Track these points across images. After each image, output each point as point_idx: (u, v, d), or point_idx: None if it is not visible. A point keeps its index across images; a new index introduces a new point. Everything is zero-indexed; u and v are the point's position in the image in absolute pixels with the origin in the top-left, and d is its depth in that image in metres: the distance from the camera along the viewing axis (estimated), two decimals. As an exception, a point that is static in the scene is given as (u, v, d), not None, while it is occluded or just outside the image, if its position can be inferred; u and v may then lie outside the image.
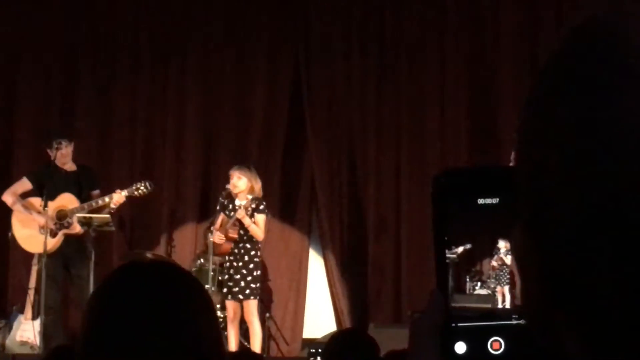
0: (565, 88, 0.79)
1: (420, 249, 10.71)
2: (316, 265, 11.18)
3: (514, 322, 1.06)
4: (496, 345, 1.03)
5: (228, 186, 9.25)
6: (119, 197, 9.08)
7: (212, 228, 9.53)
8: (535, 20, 10.98)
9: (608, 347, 0.77)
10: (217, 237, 9.23)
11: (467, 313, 1.07)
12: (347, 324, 10.46)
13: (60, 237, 9.13)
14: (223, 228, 9.24)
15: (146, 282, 1.65)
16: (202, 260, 9.74)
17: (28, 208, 9.27)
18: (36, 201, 9.29)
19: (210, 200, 10.77)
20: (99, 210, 9.24)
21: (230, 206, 9.20)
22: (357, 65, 11.22)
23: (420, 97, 11.08)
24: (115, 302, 1.64)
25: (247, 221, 9.05)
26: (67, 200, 9.20)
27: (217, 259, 9.52)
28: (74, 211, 9.14)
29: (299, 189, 11.20)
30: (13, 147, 11.22)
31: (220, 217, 9.35)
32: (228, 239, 9.14)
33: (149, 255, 9.90)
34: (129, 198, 9.21)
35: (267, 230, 9.42)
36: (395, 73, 11.16)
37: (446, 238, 1.06)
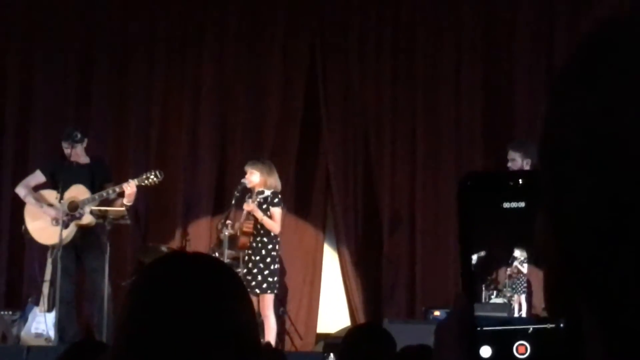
0: (591, 73, 0.79)
1: (435, 245, 10.71)
2: (330, 259, 11.18)
3: (540, 326, 1.05)
4: (522, 349, 1.02)
5: (243, 180, 9.27)
6: (129, 187, 9.07)
7: (226, 222, 9.55)
8: (551, 15, 10.95)
9: (628, 332, 0.77)
10: (230, 229, 9.27)
11: (491, 318, 1.07)
12: (361, 318, 10.46)
13: (72, 228, 9.14)
14: (238, 222, 9.26)
15: (186, 273, 1.66)
16: (216, 253, 9.74)
17: (39, 200, 9.29)
18: (49, 193, 9.31)
19: (225, 193, 10.78)
20: (110, 201, 9.26)
21: (249, 200, 9.23)
22: (372, 58, 11.21)
23: (435, 87, 11.07)
24: (155, 292, 1.65)
25: (259, 215, 9.07)
26: (78, 192, 9.22)
27: (232, 253, 9.54)
28: (85, 202, 9.15)
29: (314, 183, 11.20)
30: (29, 138, 11.25)
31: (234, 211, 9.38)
32: (243, 232, 9.16)
33: (163, 248, 9.92)
34: (139, 187, 9.20)
35: (282, 224, 9.42)
36: (411, 64, 11.15)
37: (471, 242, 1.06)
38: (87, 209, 9.14)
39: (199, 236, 10.86)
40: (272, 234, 9.13)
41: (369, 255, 10.93)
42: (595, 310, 0.79)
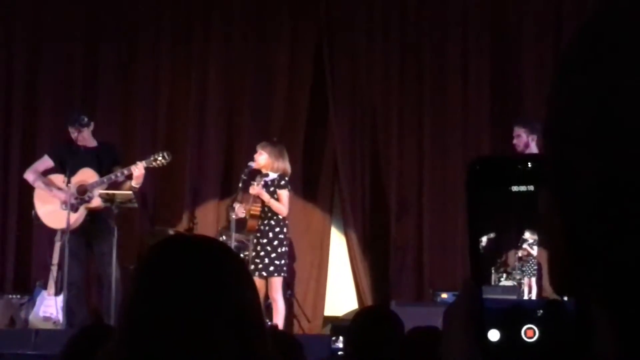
0: (593, 54, 0.79)
1: (442, 227, 10.73)
2: (338, 243, 11.19)
3: (547, 310, 1.06)
4: (530, 333, 1.02)
5: (250, 162, 9.26)
6: (137, 169, 9.07)
7: (234, 205, 9.55)
8: (559, 1, 10.93)
9: (635, 316, 0.77)
10: (238, 212, 9.28)
11: (499, 301, 1.07)
12: (368, 301, 10.48)
13: (82, 212, 9.16)
14: (246, 205, 9.27)
15: (188, 256, 1.67)
16: (224, 236, 9.76)
17: (49, 185, 9.29)
18: (57, 178, 9.32)
19: (232, 176, 10.79)
20: (118, 184, 9.26)
21: (254, 183, 9.23)
22: (379, 44, 11.20)
23: (442, 77, 11.07)
24: (157, 275, 1.65)
25: (265, 197, 9.07)
26: (87, 175, 9.22)
27: (240, 236, 9.55)
28: (94, 185, 9.16)
29: (321, 166, 11.20)
30: (36, 123, 11.27)
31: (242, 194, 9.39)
32: (251, 215, 9.17)
33: (171, 232, 9.93)
34: (147, 169, 9.20)
35: (290, 207, 9.42)
36: (418, 52, 11.14)
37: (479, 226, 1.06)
38: (96, 192, 9.14)
39: (207, 219, 10.88)
40: (279, 216, 9.13)
41: (376, 238, 10.95)
42: (600, 294, 0.80)
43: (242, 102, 11.23)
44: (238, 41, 11.30)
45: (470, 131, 10.89)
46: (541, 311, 1.02)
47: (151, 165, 9.16)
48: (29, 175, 9.45)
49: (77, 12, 11.37)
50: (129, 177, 9.13)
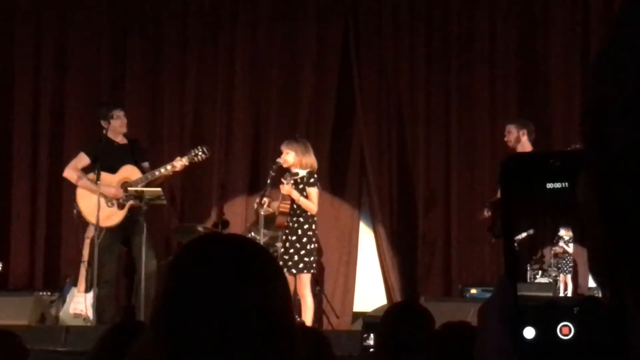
0: (629, 30, 0.79)
1: (471, 223, 10.71)
2: (366, 238, 11.18)
3: (583, 307, 1.05)
4: (565, 330, 1.02)
5: (279, 159, 9.27)
6: (178, 165, 9.13)
7: (262, 201, 9.56)
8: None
9: None
10: (267, 208, 9.29)
11: (535, 298, 1.06)
12: (397, 297, 10.46)
13: (127, 209, 9.18)
14: (275, 201, 9.28)
15: (223, 253, 1.68)
16: (252, 233, 9.76)
17: (93, 181, 9.22)
18: (103, 175, 9.27)
19: (260, 172, 10.81)
20: (159, 180, 9.30)
21: (284, 182, 9.24)
22: (406, 39, 11.17)
23: (469, 69, 11.03)
24: (190, 274, 1.66)
25: (295, 195, 9.07)
26: (129, 172, 9.26)
27: (268, 232, 9.56)
28: (137, 182, 9.18)
29: (349, 162, 11.20)
30: (64, 121, 11.32)
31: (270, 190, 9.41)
32: (280, 212, 9.17)
33: (200, 228, 9.95)
34: (188, 165, 9.25)
35: (318, 203, 9.42)
36: (445, 46, 11.11)
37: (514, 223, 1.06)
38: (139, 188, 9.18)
39: (235, 215, 10.89)
40: (308, 213, 9.14)
41: (404, 233, 10.93)
42: (637, 280, 0.79)
43: (269, 97, 11.24)
44: (264, 36, 11.31)
45: (498, 125, 10.85)
46: (577, 308, 1.02)
47: (193, 161, 9.22)
48: (71, 173, 9.42)
49: (103, 9, 11.41)
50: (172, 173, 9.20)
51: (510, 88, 10.92)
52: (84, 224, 9.41)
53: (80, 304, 9.40)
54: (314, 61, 11.19)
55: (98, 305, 9.04)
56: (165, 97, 11.32)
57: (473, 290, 9.63)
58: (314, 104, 11.14)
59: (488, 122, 10.89)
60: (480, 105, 10.94)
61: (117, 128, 9.38)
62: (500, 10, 11.04)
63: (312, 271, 9.17)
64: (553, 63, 10.86)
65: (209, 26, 11.39)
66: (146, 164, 9.40)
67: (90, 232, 9.47)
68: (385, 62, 11.16)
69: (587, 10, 10.86)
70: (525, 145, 9.32)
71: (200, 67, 11.36)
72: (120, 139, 9.46)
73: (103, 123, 9.35)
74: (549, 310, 1.03)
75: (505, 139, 9.47)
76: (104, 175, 9.20)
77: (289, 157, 9.19)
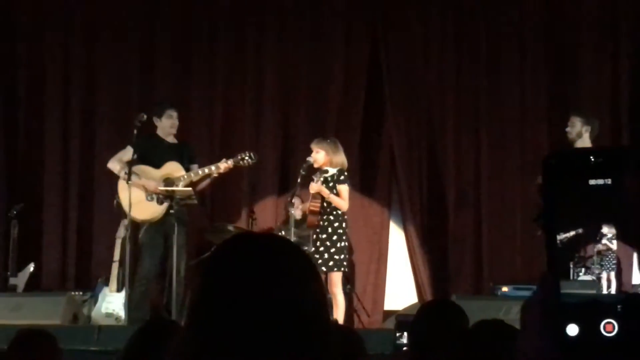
0: None
1: (501, 220, 10.69)
2: (397, 237, 11.16)
3: (627, 304, 1.04)
4: (609, 327, 1.01)
5: (309, 158, 9.27)
6: (223, 167, 9.16)
7: (293, 200, 9.57)
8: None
9: None
10: (297, 208, 9.31)
11: (578, 296, 1.06)
12: (428, 295, 10.44)
13: (166, 205, 9.20)
14: (305, 201, 9.29)
15: (257, 254, 1.68)
16: (283, 232, 9.78)
17: (136, 174, 9.19)
18: (146, 168, 9.30)
19: (290, 172, 10.81)
20: (203, 179, 9.32)
21: (314, 179, 9.24)
22: (435, 38, 11.15)
23: (499, 68, 10.99)
24: (226, 273, 1.66)
25: (326, 193, 9.07)
26: (173, 169, 9.29)
27: (299, 232, 9.57)
28: (180, 179, 9.21)
29: (379, 161, 11.18)
30: (94, 124, 11.37)
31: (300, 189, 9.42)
32: (310, 211, 9.18)
33: (230, 228, 9.97)
34: (232, 168, 9.29)
35: (348, 201, 9.42)
36: (474, 44, 11.08)
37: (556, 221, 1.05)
38: (181, 185, 9.20)
39: (265, 215, 10.90)
40: (339, 211, 9.13)
41: (435, 231, 10.91)
42: None
43: (298, 97, 11.24)
44: (293, 37, 11.31)
45: (528, 122, 10.82)
46: (621, 306, 1.01)
47: (238, 165, 9.25)
48: (115, 165, 9.39)
49: (133, 12, 11.45)
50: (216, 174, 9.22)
51: (540, 87, 10.87)
52: (124, 215, 9.38)
53: (112, 303, 9.45)
54: (343, 63, 11.18)
55: (132, 304, 9.06)
56: (193, 100, 11.33)
57: (504, 288, 9.59)
58: (343, 104, 11.12)
59: (518, 120, 10.85)
60: (510, 104, 10.89)
61: (166, 128, 9.44)
62: (528, 5, 10.99)
63: (343, 269, 9.17)
64: (583, 59, 10.80)
65: (237, 30, 11.38)
66: (195, 167, 9.42)
67: (122, 232, 9.50)
68: (414, 63, 11.12)
69: (615, 5, 10.80)
70: (585, 142, 9.09)
71: (229, 66, 11.37)
72: (171, 139, 9.50)
73: (155, 120, 9.40)
74: (592, 308, 1.02)
75: (567, 129, 9.27)
76: (148, 169, 9.23)
77: (319, 156, 9.19)
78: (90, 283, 10.41)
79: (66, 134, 11.37)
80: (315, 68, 11.23)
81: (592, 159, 1.01)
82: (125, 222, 9.27)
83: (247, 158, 9.27)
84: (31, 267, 10.41)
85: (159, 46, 11.45)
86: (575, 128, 9.22)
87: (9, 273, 10.31)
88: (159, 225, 9.24)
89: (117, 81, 11.39)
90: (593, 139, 9.18)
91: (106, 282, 9.69)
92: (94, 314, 9.50)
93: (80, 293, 9.97)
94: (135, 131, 9.11)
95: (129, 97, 11.24)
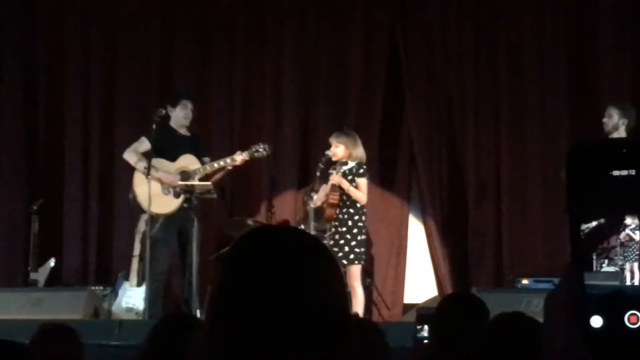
0: None
1: (521, 213, 10.65)
2: (416, 229, 11.15)
3: None
4: (633, 319, 1.00)
5: (328, 152, 9.27)
6: (238, 159, 9.16)
7: (311, 194, 9.57)
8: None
9: None
10: (316, 201, 9.30)
11: (602, 287, 1.05)
12: (448, 288, 10.42)
13: (183, 198, 9.19)
14: (323, 193, 9.29)
15: (277, 247, 1.68)
16: (302, 226, 9.78)
17: (154, 167, 9.15)
18: (162, 161, 9.28)
19: (309, 165, 10.80)
20: (217, 172, 9.31)
21: (333, 172, 9.24)
22: (454, 31, 11.11)
23: (518, 59, 10.95)
24: (247, 265, 1.66)
25: (345, 185, 9.07)
26: (188, 161, 9.28)
27: (318, 225, 9.56)
28: (196, 172, 9.21)
29: (398, 153, 11.15)
30: (114, 118, 11.40)
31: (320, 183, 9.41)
32: (329, 204, 9.18)
33: (249, 222, 9.97)
34: (248, 160, 9.30)
35: (367, 195, 9.41)
36: (493, 37, 11.04)
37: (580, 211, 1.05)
38: (197, 179, 9.20)
39: (284, 209, 10.88)
40: (358, 204, 9.13)
41: (454, 224, 10.88)
42: None
43: (317, 90, 11.24)
44: (312, 30, 11.31)
45: (548, 114, 10.78)
46: None
47: (253, 157, 9.26)
48: (131, 156, 9.39)
49: (152, 9, 11.48)
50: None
51: (560, 80, 10.81)
52: (139, 210, 9.41)
53: (132, 298, 9.48)
54: (362, 56, 11.16)
55: (150, 299, 9.08)
56: (213, 94, 11.35)
57: (525, 281, 9.57)
58: (362, 97, 11.11)
59: (538, 113, 10.80)
60: (530, 97, 10.85)
61: (180, 118, 9.43)
62: (549, 2, 10.95)
63: (362, 262, 9.17)
64: (603, 52, 10.74)
65: (256, 23, 11.38)
66: (207, 159, 9.42)
67: (141, 227, 9.52)
68: (433, 57, 11.09)
69: (637, 12, 10.75)
70: (621, 134, 8.93)
71: (248, 63, 11.38)
72: (184, 131, 9.50)
73: (169, 109, 9.38)
74: (616, 299, 1.01)
75: (604, 120, 9.16)
76: (163, 162, 9.22)
77: (338, 149, 9.20)
78: (111, 278, 10.45)
79: (86, 130, 11.41)
80: (334, 61, 11.22)
81: (616, 150, 1.00)
82: (145, 216, 9.26)
83: (261, 150, 9.27)
84: (52, 262, 10.46)
85: (179, 40, 11.47)
86: (612, 119, 9.10)
87: (29, 268, 10.36)
88: (172, 220, 9.23)
89: (137, 77, 11.41)
90: (629, 130, 9.05)
91: (126, 277, 9.72)
92: (114, 308, 9.54)
93: (101, 288, 9.99)
94: (154, 126, 9.12)
95: (148, 93, 11.26)
